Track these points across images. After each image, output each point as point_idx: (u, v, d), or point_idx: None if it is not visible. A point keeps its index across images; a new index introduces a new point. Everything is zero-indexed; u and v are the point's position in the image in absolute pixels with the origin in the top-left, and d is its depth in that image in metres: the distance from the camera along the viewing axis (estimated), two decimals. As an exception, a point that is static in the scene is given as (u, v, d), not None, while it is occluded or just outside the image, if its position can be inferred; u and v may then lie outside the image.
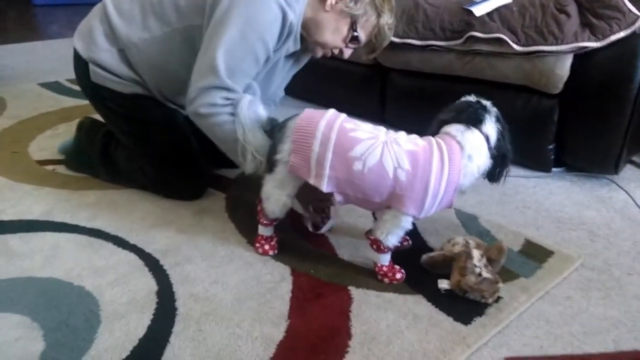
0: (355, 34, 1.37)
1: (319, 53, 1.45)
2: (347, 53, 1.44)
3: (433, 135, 1.18)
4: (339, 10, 1.34)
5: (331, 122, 1.14)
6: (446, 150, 1.11)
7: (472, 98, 1.21)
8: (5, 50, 3.37)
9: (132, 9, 1.41)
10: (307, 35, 1.40)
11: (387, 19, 1.38)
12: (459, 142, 1.13)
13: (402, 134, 1.17)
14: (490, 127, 1.16)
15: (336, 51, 1.43)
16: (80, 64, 1.48)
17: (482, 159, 1.14)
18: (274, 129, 1.21)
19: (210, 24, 1.29)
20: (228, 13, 1.26)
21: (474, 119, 1.15)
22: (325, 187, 1.15)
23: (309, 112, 1.18)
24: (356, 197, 1.16)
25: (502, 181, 1.20)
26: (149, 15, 1.39)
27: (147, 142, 1.52)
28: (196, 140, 1.58)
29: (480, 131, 1.14)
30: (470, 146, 1.12)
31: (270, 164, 1.20)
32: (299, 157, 1.15)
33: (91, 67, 1.45)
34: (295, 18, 1.32)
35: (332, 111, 1.18)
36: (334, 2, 1.34)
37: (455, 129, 1.15)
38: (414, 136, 1.17)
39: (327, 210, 1.44)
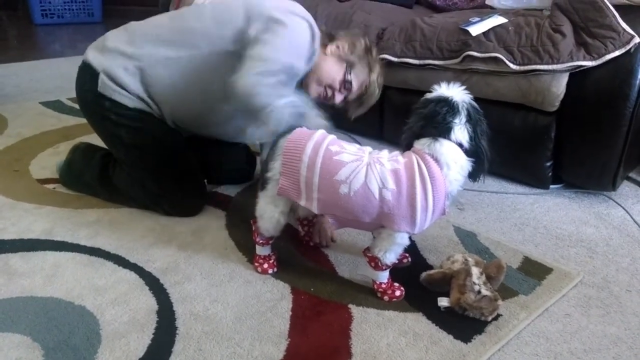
0: (349, 77, 1.52)
1: (314, 91, 1.53)
2: (338, 98, 1.55)
3: (408, 147, 1.18)
4: (337, 56, 1.52)
5: (317, 145, 1.16)
6: (424, 165, 1.11)
7: (441, 92, 1.16)
8: (6, 68, 3.39)
9: (160, 30, 1.49)
10: (308, 74, 1.49)
11: (376, 77, 1.56)
12: (430, 155, 1.12)
13: (384, 152, 1.18)
14: (460, 132, 1.13)
15: (329, 92, 1.53)
16: (87, 74, 1.51)
17: (459, 165, 1.13)
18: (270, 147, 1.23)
19: (251, 41, 1.39)
20: (268, 32, 1.38)
21: (442, 129, 1.13)
22: (316, 210, 1.16)
23: (298, 133, 1.19)
24: (347, 219, 1.17)
25: (481, 180, 1.19)
26: (177, 37, 1.47)
27: (148, 153, 1.54)
28: (194, 157, 1.61)
29: (450, 140, 1.13)
30: (444, 156, 1.12)
31: (263, 181, 1.22)
32: (289, 180, 1.17)
33: (102, 77, 1.48)
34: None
35: (320, 132, 1.20)
36: (333, 49, 1.53)
37: (422, 143, 1.14)
38: (396, 153, 1.18)
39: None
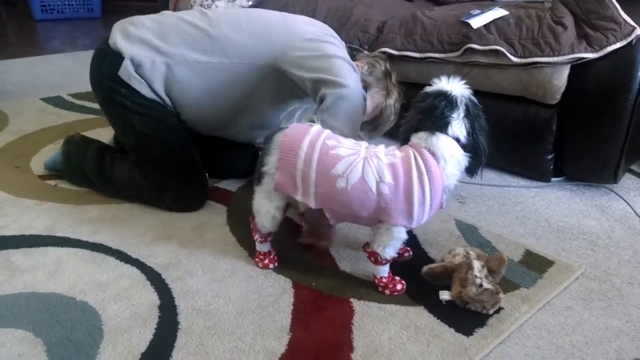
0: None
1: None
2: None
3: (406, 141, 1.18)
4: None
5: (314, 139, 1.16)
6: (421, 159, 1.11)
7: (440, 86, 1.15)
8: (7, 65, 3.39)
9: (194, 31, 1.50)
10: None
11: (393, 102, 1.58)
12: (427, 149, 1.12)
13: (381, 146, 1.18)
14: (457, 127, 1.13)
15: None
16: (107, 57, 1.50)
17: (456, 159, 1.13)
18: (265, 142, 1.23)
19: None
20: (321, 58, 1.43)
21: (439, 124, 1.12)
22: (313, 205, 1.16)
23: (294, 128, 1.19)
24: (344, 213, 1.17)
25: (478, 175, 1.19)
26: (210, 43, 1.48)
27: (158, 142, 1.54)
28: (200, 152, 1.62)
29: (447, 134, 1.12)
30: (440, 150, 1.12)
31: (259, 176, 1.22)
32: (285, 175, 1.16)
33: (127, 63, 1.47)
34: None
35: (316, 127, 1.19)
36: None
37: (419, 137, 1.14)
38: (393, 147, 1.18)
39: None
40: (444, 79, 1.16)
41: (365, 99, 1.49)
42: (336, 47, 1.48)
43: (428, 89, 1.17)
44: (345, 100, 1.36)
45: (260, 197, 1.24)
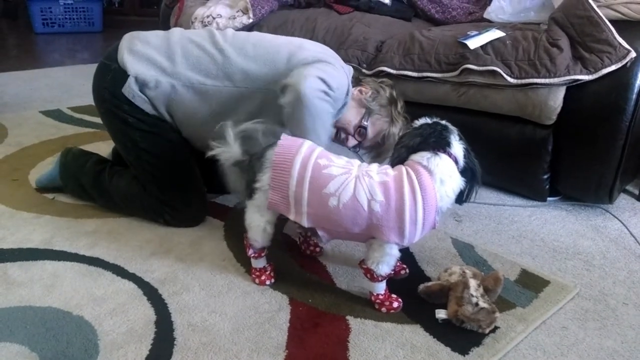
0: (365, 123, 1.52)
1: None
2: (351, 143, 1.57)
3: (402, 162, 1.20)
4: (358, 100, 1.53)
5: (306, 158, 1.17)
6: (415, 178, 1.13)
7: (428, 119, 1.23)
8: (6, 77, 3.40)
9: (202, 54, 1.49)
10: None
11: (397, 131, 1.54)
12: (426, 168, 1.14)
13: (374, 166, 1.20)
14: (457, 147, 1.18)
15: (343, 135, 1.56)
16: (110, 72, 1.51)
17: (454, 181, 1.16)
18: (252, 158, 1.23)
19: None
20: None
21: (441, 144, 1.17)
22: (306, 224, 1.18)
23: (285, 145, 1.20)
24: (337, 231, 1.18)
25: (472, 198, 1.22)
26: (216, 68, 1.48)
27: (159, 159, 1.54)
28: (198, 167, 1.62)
29: (449, 154, 1.16)
30: (439, 170, 1.14)
31: (250, 191, 1.23)
32: (278, 194, 1.17)
33: (132, 80, 1.47)
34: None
35: (307, 145, 1.21)
36: (356, 93, 1.53)
37: (420, 156, 1.16)
38: (386, 166, 1.20)
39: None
40: (422, 119, 1.24)
41: (345, 104, 1.47)
42: (324, 63, 1.43)
43: (415, 124, 1.24)
44: (300, 108, 1.32)
45: (251, 212, 1.25)
